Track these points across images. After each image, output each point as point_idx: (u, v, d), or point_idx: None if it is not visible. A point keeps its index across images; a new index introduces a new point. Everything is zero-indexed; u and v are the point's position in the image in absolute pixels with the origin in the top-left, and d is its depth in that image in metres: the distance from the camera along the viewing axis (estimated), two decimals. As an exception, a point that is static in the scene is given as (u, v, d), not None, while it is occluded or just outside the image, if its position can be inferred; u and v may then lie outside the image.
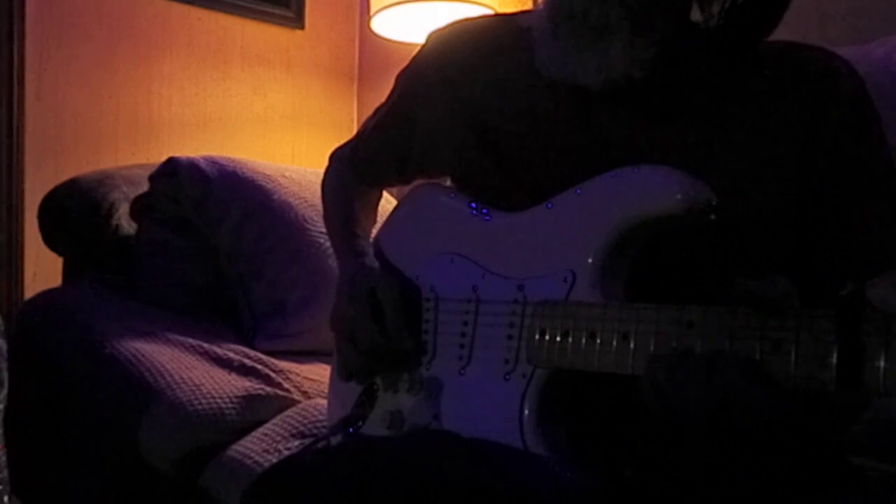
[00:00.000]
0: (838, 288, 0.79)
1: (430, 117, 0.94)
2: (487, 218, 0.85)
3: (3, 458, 1.10)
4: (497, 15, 0.96)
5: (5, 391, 1.11)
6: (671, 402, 0.61)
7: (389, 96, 1.02)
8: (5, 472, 1.10)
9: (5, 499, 1.10)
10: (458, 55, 0.92)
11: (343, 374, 0.89)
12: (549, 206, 0.78)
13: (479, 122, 0.88)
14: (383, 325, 0.84)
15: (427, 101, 0.94)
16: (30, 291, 1.94)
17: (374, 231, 1.05)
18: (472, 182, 0.90)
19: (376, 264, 0.93)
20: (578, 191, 0.76)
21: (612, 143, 0.80)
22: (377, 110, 1.04)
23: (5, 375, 1.11)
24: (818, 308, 0.57)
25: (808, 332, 0.57)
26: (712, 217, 0.69)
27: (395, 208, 1.01)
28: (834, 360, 0.55)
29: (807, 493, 0.72)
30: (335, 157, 1.12)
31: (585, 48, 0.76)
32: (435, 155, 0.95)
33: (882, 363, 0.53)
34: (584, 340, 0.69)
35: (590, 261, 0.72)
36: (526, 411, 0.72)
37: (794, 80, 0.79)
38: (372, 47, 2.51)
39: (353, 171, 1.08)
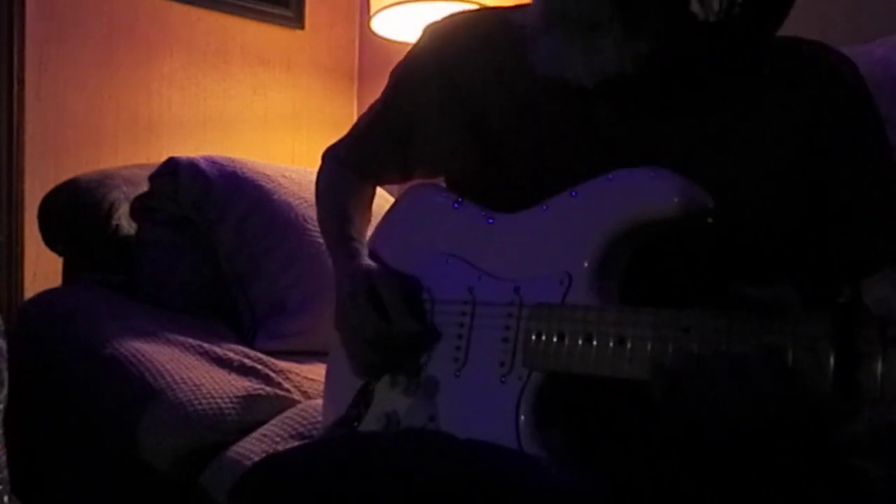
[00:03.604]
0: (838, 288, 0.79)
1: (426, 111, 0.93)
2: (484, 219, 0.84)
3: (3, 458, 1.10)
4: (493, 8, 0.96)
5: (5, 391, 1.11)
6: (697, 404, 0.61)
7: (384, 91, 1.01)
8: (5, 472, 1.10)
9: (5, 499, 1.10)
10: (454, 48, 0.91)
11: (357, 371, 0.88)
12: (546, 208, 0.78)
13: (474, 116, 0.88)
14: (385, 314, 0.84)
15: (423, 95, 0.94)
16: (30, 291, 1.94)
17: (370, 231, 1.05)
18: (467, 181, 0.89)
19: (372, 263, 0.93)
20: (575, 193, 0.75)
21: (609, 139, 0.80)
22: (372, 106, 1.04)
23: (5, 375, 1.11)
24: (815, 313, 0.57)
25: (804, 338, 0.56)
26: (709, 221, 0.68)
27: (390, 209, 1.00)
28: (831, 365, 0.55)
29: (809, 496, 0.72)
30: (328, 156, 1.12)
31: (577, 46, 0.76)
32: (431, 151, 0.95)
33: (879, 369, 0.53)
34: (579, 344, 0.68)
35: (586, 263, 0.71)
36: (522, 414, 0.72)
37: (795, 78, 0.78)
38: (372, 47, 2.51)
39: (349, 167, 1.07)
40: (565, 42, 0.76)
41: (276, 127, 2.44)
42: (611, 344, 0.66)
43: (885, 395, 0.53)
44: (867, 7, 1.41)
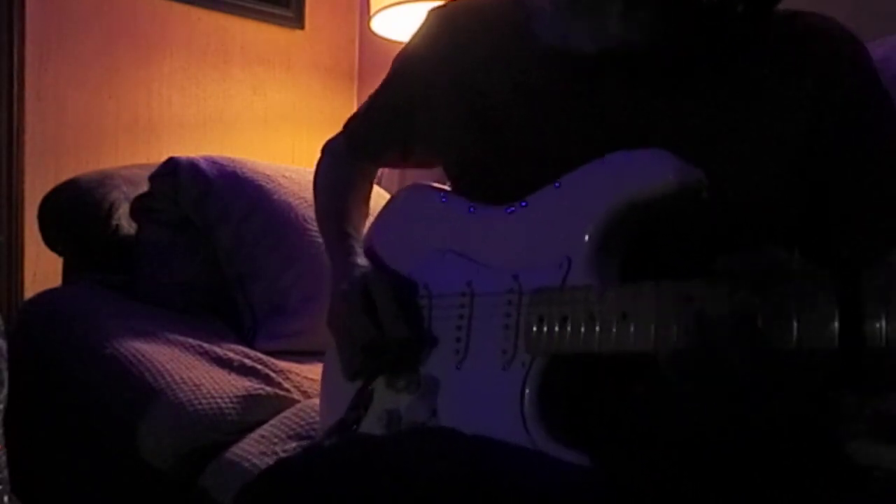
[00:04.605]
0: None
1: (428, 95, 0.93)
2: (478, 212, 0.84)
3: (3, 458, 1.10)
4: None
5: (5, 391, 1.11)
6: (710, 372, 0.60)
7: (388, 74, 1.01)
8: (5, 472, 1.10)
9: (5, 499, 1.10)
10: (457, 32, 0.91)
11: (347, 374, 0.88)
12: (540, 196, 0.77)
13: (475, 100, 0.87)
14: (377, 319, 0.84)
15: (425, 78, 0.94)
16: (30, 291, 1.94)
17: (366, 227, 1.04)
18: (467, 166, 0.89)
19: (368, 263, 0.93)
20: (568, 179, 0.75)
21: (612, 115, 0.80)
22: (374, 93, 1.04)
23: (5, 375, 1.11)
24: (818, 271, 0.57)
25: (809, 296, 0.56)
26: (704, 196, 0.69)
27: (384, 207, 1.00)
28: (836, 320, 0.55)
29: (813, 495, 0.72)
30: (328, 150, 1.12)
31: (582, 14, 0.76)
32: (432, 134, 0.95)
33: (884, 325, 0.53)
34: (583, 324, 0.68)
35: (584, 245, 0.71)
36: (527, 399, 0.71)
37: (799, 53, 0.78)
38: (372, 47, 2.51)
39: (349, 150, 1.07)
40: (569, 11, 0.77)
41: (276, 127, 2.44)
42: (614, 321, 0.66)
43: (890, 351, 0.53)
44: (867, 7, 1.41)
